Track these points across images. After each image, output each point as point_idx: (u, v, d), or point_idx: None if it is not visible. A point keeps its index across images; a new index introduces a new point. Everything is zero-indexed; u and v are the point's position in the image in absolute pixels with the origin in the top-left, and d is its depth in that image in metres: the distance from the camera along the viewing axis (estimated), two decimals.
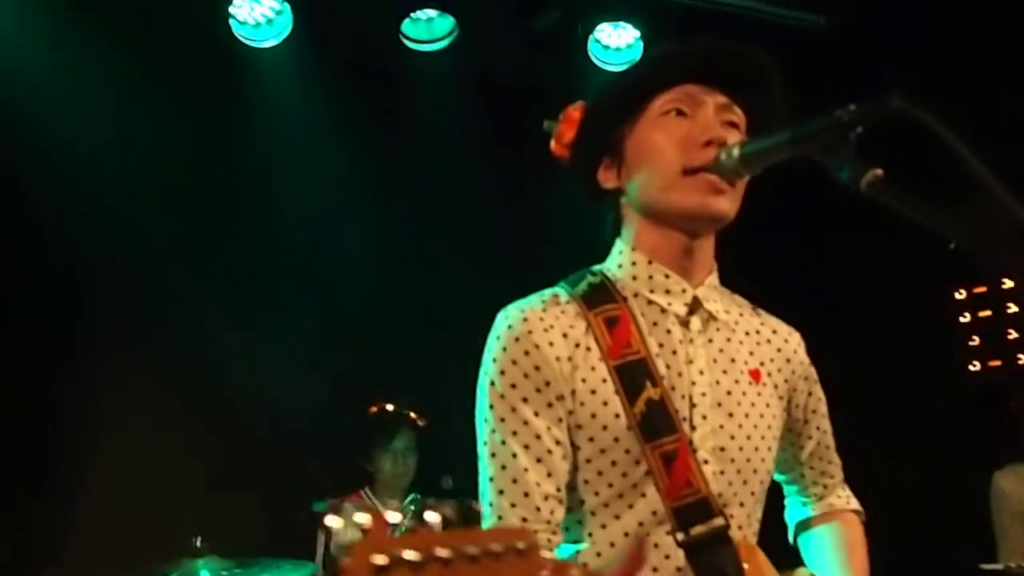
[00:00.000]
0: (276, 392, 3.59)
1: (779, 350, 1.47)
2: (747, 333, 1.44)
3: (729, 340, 1.41)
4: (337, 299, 3.77)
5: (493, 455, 1.29)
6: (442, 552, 0.68)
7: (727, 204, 1.33)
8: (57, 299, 3.46)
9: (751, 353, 1.43)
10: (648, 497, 1.28)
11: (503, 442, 1.28)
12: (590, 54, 3.95)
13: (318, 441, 3.61)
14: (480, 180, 3.96)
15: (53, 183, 3.41)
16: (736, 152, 1.27)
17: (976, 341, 4.39)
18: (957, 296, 4.44)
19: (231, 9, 3.53)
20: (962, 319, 4.42)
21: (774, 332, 1.49)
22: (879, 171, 1.08)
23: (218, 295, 3.68)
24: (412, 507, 2.37)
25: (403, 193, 3.93)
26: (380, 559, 0.65)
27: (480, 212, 3.99)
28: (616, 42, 3.98)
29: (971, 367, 4.34)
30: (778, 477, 1.60)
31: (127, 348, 3.57)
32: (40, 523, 3.26)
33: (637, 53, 3.94)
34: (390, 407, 3.58)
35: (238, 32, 3.57)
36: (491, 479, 1.29)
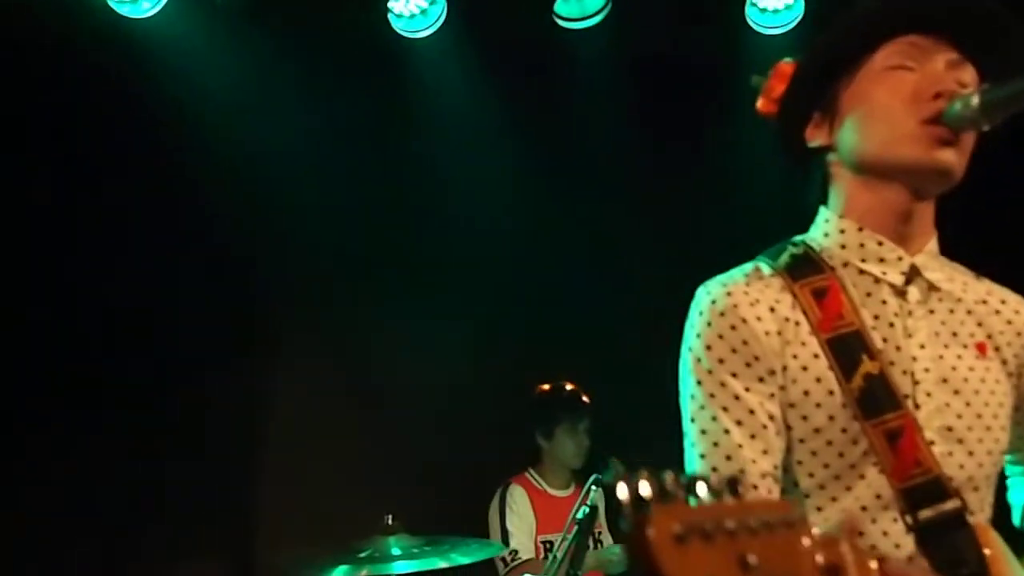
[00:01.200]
0: (444, 376, 3.67)
1: (1009, 322, 1.35)
2: (973, 303, 1.34)
3: (952, 312, 1.31)
4: (501, 280, 3.81)
5: (703, 432, 1.24)
6: (729, 523, 0.66)
7: (956, 158, 1.23)
8: (243, 299, 3.66)
9: (978, 325, 1.32)
10: (869, 479, 1.21)
11: (714, 418, 1.23)
12: (748, 19, 3.79)
13: (489, 423, 3.65)
14: (642, 157, 3.89)
15: (231, 189, 3.59)
16: (975, 100, 1.16)
17: None
18: None
19: (389, 3, 3.61)
20: None
21: (1003, 302, 1.37)
22: None
23: (382, 282, 3.80)
24: (593, 488, 2.36)
25: (565, 176, 3.92)
26: (678, 527, 0.64)
27: (643, 190, 3.93)
28: (775, 3, 3.80)
29: None
30: (1005, 457, 1.49)
31: (312, 339, 3.74)
32: (240, 508, 3.48)
33: (798, 13, 3.75)
34: (569, 386, 3.53)
35: (395, 25, 3.64)
36: (702, 456, 1.24)
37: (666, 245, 3.76)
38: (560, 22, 3.76)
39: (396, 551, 2.30)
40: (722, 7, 3.76)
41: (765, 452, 1.22)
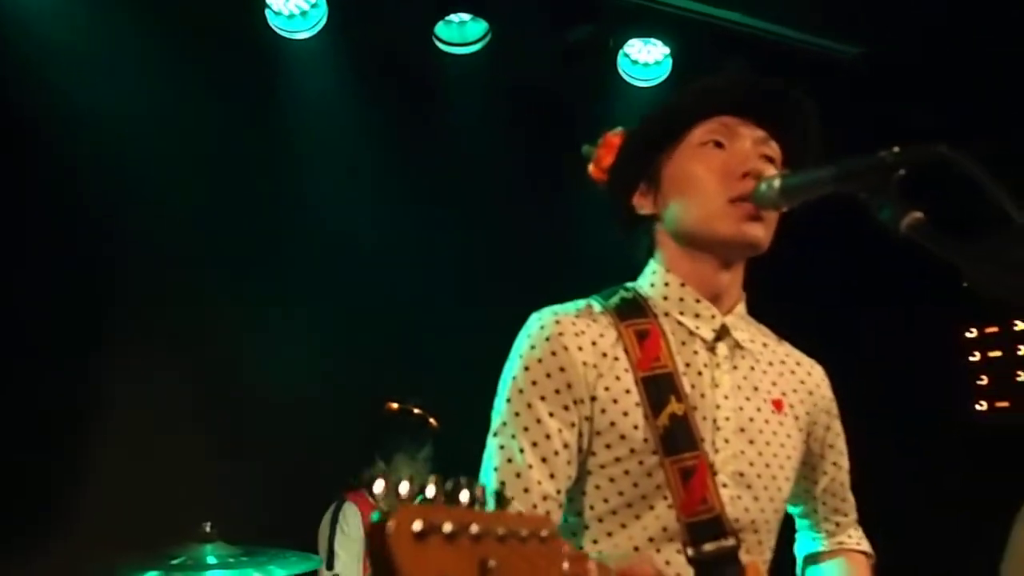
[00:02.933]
0: (290, 385, 3.59)
1: (802, 382, 1.49)
2: (771, 363, 1.47)
3: (753, 368, 1.43)
4: (357, 294, 3.77)
5: (501, 447, 1.31)
6: (474, 528, 0.71)
7: (763, 232, 1.36)
8: (75, 283, 3.47)
9: (774, 383, 1.45)
10: (658, 511, 1.30)
11: (513, 436, 1.31)
12: (620, 69, 3.98)
13: (329, 436, 3.60)
14: (507, 185, 3.97)
15: (84, 181, 3.42)
16: (777, 183, 1.29)
17: (984, 381, 4.39)
18: (968, 335, 4.45)
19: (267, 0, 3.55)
20: (972, 358, 4.42)
21: (798, 364, 1.51)
22: (920, 214, 1.10)
23: (236, 284, 3.69)
24: None
25: (429, 192, 3.94)
26: (418, 525, 0.67)
27: (505, 217, 4.00)
28: (646, 58, 4.00)
29: (978, 407, 4.34)
30: (792, 510, 1.62)
31: (142, 335, 3.58)
32: (51, 507, 3.28)
33: (666, 70, 3.96)
34: (416, 410, 3.47)
35: (272, 22, 3.59)
36: (495, 469, 1.31)
37: (521, 269, 3.83)
38: (440, 45, 3.81)
39: (211, 559, 2.24)
40: (599, 54, 3.91)
41: (552, 476, 1.29)
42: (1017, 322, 4.33)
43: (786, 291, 3.40)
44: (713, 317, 1.39)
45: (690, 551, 1.28)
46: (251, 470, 3.54)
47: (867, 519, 1.63)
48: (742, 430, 1.37)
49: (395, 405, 3.52)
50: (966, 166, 1.04)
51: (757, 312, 1.51)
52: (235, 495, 3.36)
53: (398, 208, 3.85)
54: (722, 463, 1.34)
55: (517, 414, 1.31)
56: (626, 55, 3.97)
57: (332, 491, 3.54)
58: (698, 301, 1.40)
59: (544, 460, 1.29)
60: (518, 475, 1.29)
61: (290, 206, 3.81)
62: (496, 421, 1.34)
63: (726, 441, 1.35)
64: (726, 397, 1.37)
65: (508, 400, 1.33)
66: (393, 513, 0.67)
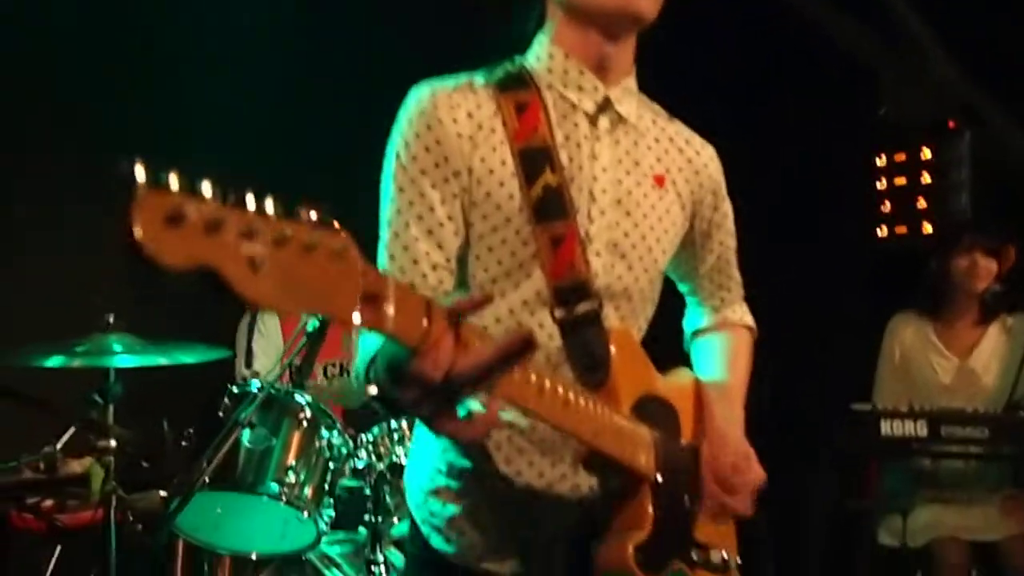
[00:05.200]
0: None
1: (690, 160, 1.52)
2: (657, 140, 1.49)
3: (637, 144, 1.46)
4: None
5: (389, 223, 1.35)
6: (245, 226, 0.71)
7: (648, 3, 1.34)
8: None
9: (659, 159, 1.48)
10: (534, 278, 1.35)
11: (398, 211, 1.34)
12: None
13: None
14: None
15: None
16: None
17: (887, 207, 4.56)
18: (878, 163, 4.57)
19: None
20: (878, 185, 4.56)
21: (687, 143, 1.53)
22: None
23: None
24: None
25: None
26: (171, 210, 0.68)
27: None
28: None
29: (879, 232, 4.52)
30: (681, 287, 1.69)
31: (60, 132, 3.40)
32: None
33: None
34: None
35: None
36: (384, 245, 1.35)
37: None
38: None
39: (117, 348, 2.28)
40: None
41: (440, 247, 1.34)
42: (925, 149, 4.46)
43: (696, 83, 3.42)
44: (596, 89, 1.40)
45: (557, 313, 1.35)
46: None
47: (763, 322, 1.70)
48: (619, 202, 1.41)
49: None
50: None
51: (657, 95, 1.52)
52: (145, 297, 3.33)
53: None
54: (596, 233, 1.38)
55: (401, 190, 1.34)
56: None
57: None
58: (581, 73, 1.40)
59: (431, 232, 1.32)
60: (406, 248, 1.32)
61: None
62: (383, 199, 1.36)
63: (602, 212, 1.39)
64: (604, 170, 1.40)
65: (392, 177, 1.35)
66: (141, 194, 0.67)
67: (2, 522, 2.86)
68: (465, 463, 1.40)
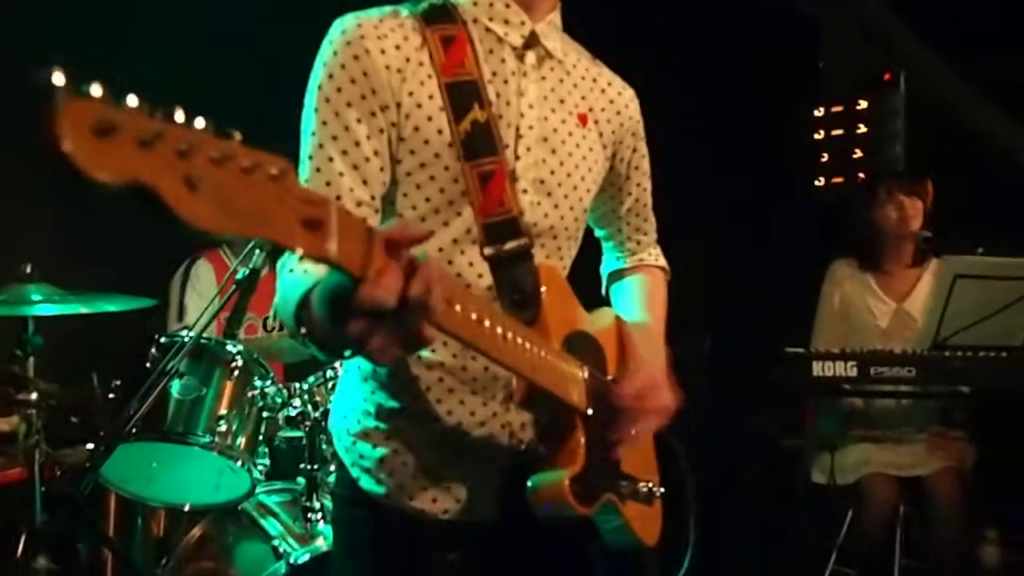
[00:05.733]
0: None
1: (612, 101, 1.51)
2: (582, 78, 1.48)
3: (562, 81, 1.44)
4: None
5: (310, 157, 1.29)
6: (180, 143, 0.67)
7: None
8: None
9: (583, 98, 1.46)
10: (464, 216, 1.33)
11: (321, 145, 1.29)
12: None
13: None
14: None
15: None
16: None
17: (825, 158, 4.62)
18: (816, 114, 4.62)
19: None
20: (816, 136, 4.62)
21: (609, 84, 1.53)
22: None
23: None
24: (257, 250, 2.34)
25: None
26: (99, 121, 0.63)
27: None
28: None
29: (816, 183, 4.59)
30: (598, 232, 1.70)
31: None
32: None
33: None
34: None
35: None
36: (306, 181, 1.29)
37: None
38: None
39: (35, 297, 2.19)
40: None
41: (365, 183, 1.29)
42: (861, 101, 4.52)
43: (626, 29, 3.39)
44: (523, 23, 1.37)
45: (487, 250, 1.32)
46: (90, 221, 3.40)
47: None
48: (545, 139, 1.39)
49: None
50: None
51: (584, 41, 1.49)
52: (67, 247, 3.23)
53: None
54: (523, 169, 1.36)
55: (325, 123, 1.28)
56: None
57: (185, 247, 3.48)
58: (507, 6, 1.37)
59: (356, 167, 1.28)
60: (329, 183, 1.27)
61: None
62: (305, 133, 1.31)
63: (528, 149, 1.37)
64: (531, 106, 1.38)
65: (316, 110, 1.29)
66: (64, 102, 0.62)
67: None
68: (394, 404, 1.38)
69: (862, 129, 4.57)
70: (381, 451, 1.39)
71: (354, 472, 1.42)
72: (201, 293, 3.36)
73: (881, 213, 3.39)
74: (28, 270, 2.24)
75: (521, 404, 1.32)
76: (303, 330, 1.11)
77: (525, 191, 1.36)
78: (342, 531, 1.51)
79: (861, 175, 4.48)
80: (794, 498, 3.45)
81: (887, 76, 4.35)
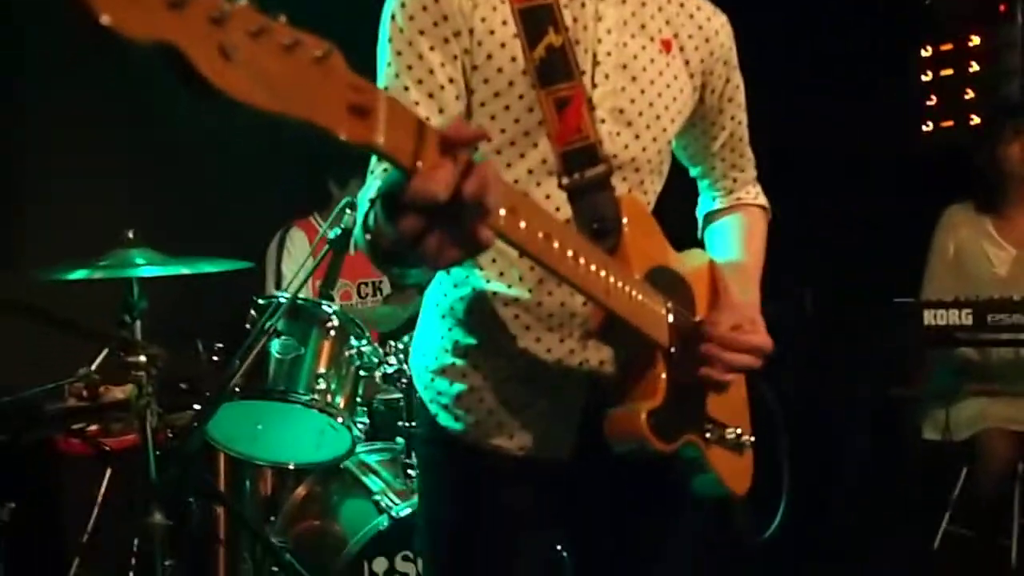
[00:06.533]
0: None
1: (700, 27, 1.43)
2: (668, 2, 1.41)
3: (644, 5, 1.37)
4: None
5: (386, 88, 1.28)
6: (216, 10, 0.65)
7: None
8: None
9: (667, 23, 1.39)
10: (540, 147, 1.29)
11: (397, 75, 1.27)
12: None
13: (280, 163, 3.52)
14: None
15: None
16: None
17: (933, 101, 4.36)
18: (923, 53, 4.36)
19: None
20: (924, 78, 4.36)
21: (698, 9, 1.45)
22: None
23: None
24: (348, 210, 2.37)
25: None
26: None
27: None
28: None
29: (924, 127, 4.34)
30: (692, 171, 1.62)
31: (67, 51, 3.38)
32: None
33: None
34: None
35: None
36: None
37: None
38: None
39: (139, 260, 2.28)
40: None
41: (441, 111, 1.27)
42: (973, 37, 4.24)
43: None
44: None
45: (564, 180, 1.27)
46: (194, 190, 3.51)
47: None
48: (624, 66, 1.33)
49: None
50: None
51: None
52: (180, 217, 3.36)
53: None
54: (600, 98, 1.31)
55: (399, 53, 1.27)
56: None
57: (279, 217, 3.57)
58: None
59: (431, 96, 1.26)
60: None
61: None
62: (381, 64, 1.29)
63: (606, 76, 1.32)
64: (609, 31, 1.32)
65: (390, 40, 1.28)
66: None
67: (51, 447, 2.94)
68: (471, 340, 1.37)
69: (974, 67, 4.29)
70: (458, 387, 1.38)
71: (432, 409, 1.41)
72: (297, 260, 3.45)
73: (1006, 152, 3.17)
74: (131, 235, 2.33)
75: (598, 334, 1.27)
76: (368, 236, 1.10)
77: (603, 121, 1.31)
78: (422, 470, 1.52)
79: (975, 118, 4.22)
80: (905, 456, 3.30)
81: (1002, 7, 4.07)
